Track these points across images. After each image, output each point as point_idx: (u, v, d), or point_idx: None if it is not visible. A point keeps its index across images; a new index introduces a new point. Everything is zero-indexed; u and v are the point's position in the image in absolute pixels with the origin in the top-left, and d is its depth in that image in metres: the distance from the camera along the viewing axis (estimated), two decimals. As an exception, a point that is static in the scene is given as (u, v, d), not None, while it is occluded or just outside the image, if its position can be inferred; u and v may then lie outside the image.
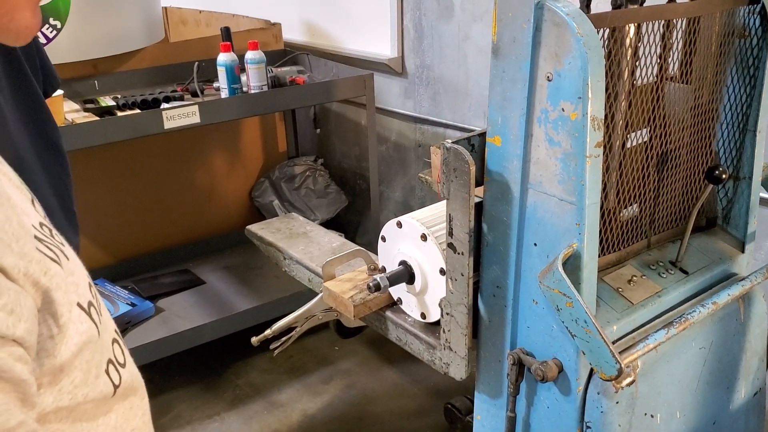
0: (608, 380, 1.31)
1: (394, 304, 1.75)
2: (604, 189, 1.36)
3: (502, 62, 1.32)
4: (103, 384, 0.62)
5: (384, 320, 1.75)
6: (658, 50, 1.45)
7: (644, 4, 1.42)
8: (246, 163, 3.49)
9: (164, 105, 2.59)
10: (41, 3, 0.69)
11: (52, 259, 0.58)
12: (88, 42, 2.70)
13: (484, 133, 1.42)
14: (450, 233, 1.43)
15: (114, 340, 0.67)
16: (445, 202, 1.43)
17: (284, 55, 3.29)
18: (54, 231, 0.64)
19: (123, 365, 0.67)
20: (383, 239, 1.71)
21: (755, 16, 1.52)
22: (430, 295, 1.62)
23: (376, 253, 1.78)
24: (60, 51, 2.55)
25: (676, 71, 1.52)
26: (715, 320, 1.57)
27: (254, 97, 2.72)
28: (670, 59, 1.48)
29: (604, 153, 1.31)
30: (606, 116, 1.30)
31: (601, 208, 1.34)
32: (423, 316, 1.67)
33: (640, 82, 1.44)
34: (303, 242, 2.13)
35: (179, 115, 2.46)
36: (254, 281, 3.12)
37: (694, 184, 1.62)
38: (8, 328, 0.49)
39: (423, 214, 1.65)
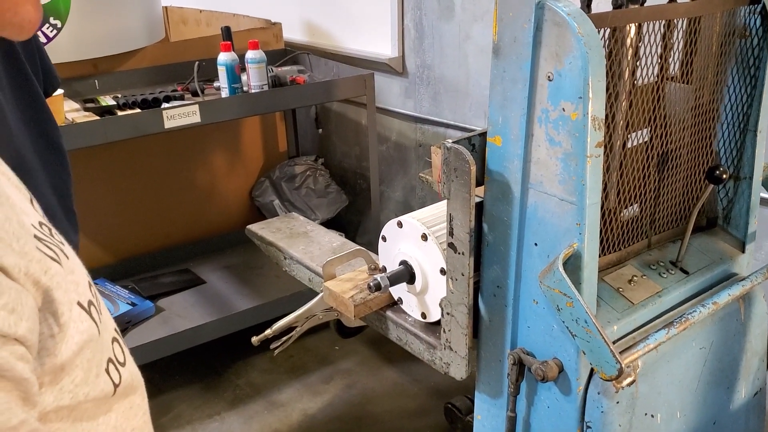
0: (609, 380, 1.31)
1: (394, 304, 1.75)
2: (604, 189, 1.36)
3: (502, 62, 1.32)
4: (103, 383, 0.62)
5: (384, 320, 1.75)
6: (659, 50, 1.45)
7: (645, 4, 1.42)
8: (246, 162, 3.49)
9: (164, 104, 2.59)
10: (41, 2, 0.70)
11: (52, 258, 0.58)
12: (88, 41, 2.70)
13: (485, 132, 1.42)
14: (450, 233, 1.43)
15: (114, 339, 0.67)
16: (445, 201, 1.43)
17: (285, 54, 3.29)
18: (53, 230, 0.64)
19: (123, 364, 0.67)
20: (384, 239, 1.71)
21: (756, 16, 1.52)
22: (431, 294, 1.62)
23: (377, 253, 1.78)
24: (60, 50, 2.55)
25: (677, 71, 1.52)
26: (716, 320, 1.57)
27: (255, 97, 2.72)
28: (670, 59, 1.48)
29: (604, 153, 1.31)
30: (607, 116, 1.30)
31: (602, 208, 1.34)
32: (423, 315, 1.67)
33: (640, 82, 1.44)
34: (303, 242, 2.13)
35: (180, 115, 2.46)
36: (254, 281, 3.12)
37: (695, 184, 1.62)
38: (10, 327, 0.49)
39: (423, 214, 1.65)
